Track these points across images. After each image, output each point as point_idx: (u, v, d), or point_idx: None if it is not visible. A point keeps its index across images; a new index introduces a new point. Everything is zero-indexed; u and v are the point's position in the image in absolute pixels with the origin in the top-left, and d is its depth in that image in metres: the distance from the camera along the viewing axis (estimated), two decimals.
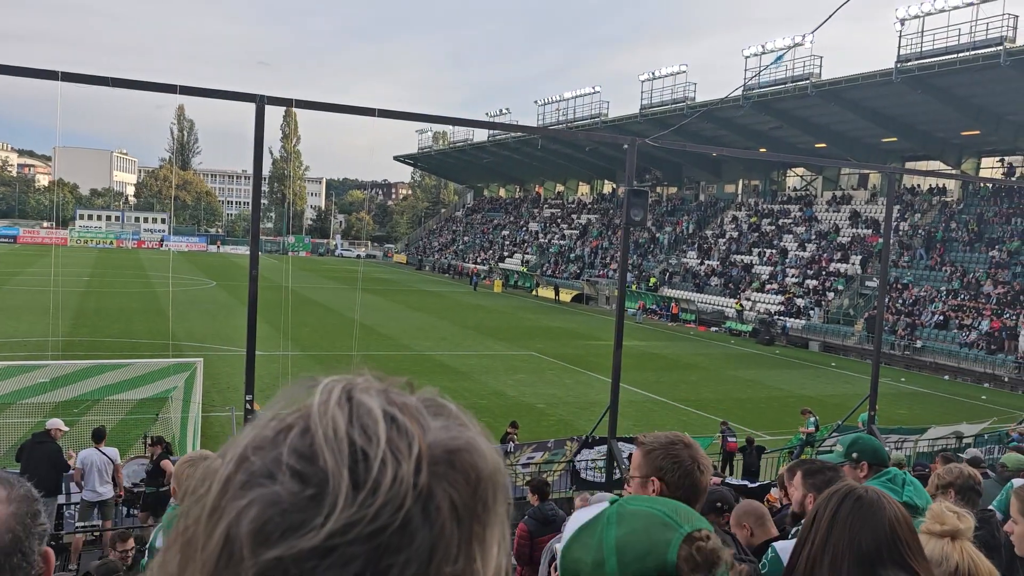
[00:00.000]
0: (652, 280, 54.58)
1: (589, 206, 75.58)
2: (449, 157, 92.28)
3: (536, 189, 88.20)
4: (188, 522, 0.56)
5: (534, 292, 62.13)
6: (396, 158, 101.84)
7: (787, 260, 49.19)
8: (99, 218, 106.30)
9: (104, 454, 12.35)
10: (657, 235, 61.44)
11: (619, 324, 14.75)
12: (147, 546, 3.90)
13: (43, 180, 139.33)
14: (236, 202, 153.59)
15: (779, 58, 38.58)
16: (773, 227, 53.60)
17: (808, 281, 45.87)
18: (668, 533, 1.46)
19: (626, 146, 15.26)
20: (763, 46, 47.27)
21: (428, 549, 0.53)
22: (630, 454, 16.23)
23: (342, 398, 0.57)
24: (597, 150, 62.33)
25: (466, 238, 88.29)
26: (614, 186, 73.07)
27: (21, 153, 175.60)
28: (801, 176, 57.30)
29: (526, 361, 30.82)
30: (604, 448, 15.50)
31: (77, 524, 12.35)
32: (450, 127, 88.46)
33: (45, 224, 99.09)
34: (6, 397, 15.41)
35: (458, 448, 0.57)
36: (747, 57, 48.47)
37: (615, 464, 14.71)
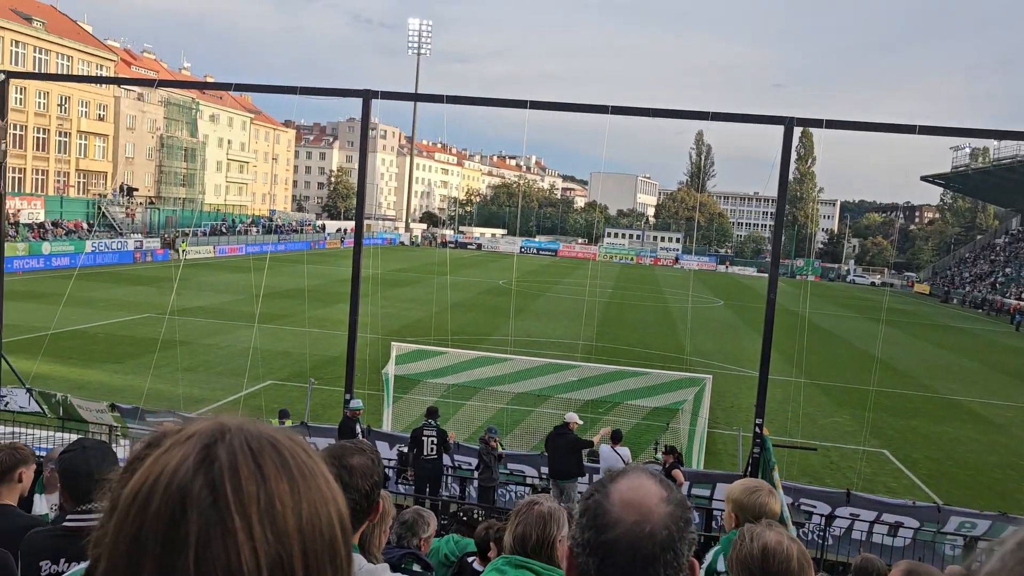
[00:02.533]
0: None
1: None
2: (991, 176, 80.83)
3: None
4: None
5: None
6: (924, 178, 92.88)
7: None
8: (623, 236, 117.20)
9: (617, 453, 13.33)
10: None
11: None
12: (705, 568, 3.86)
13: (580, 202, 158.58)
14: (746, 223, 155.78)
15: None
16: None
17: None
18: None
19: None
20: None
21: None
22: None
23: None
24: None
25: (1008, 269, 76.39)
26: None
27: (564, 178, 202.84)
28: None
29: None
30: None
31: None
32: (995, 142, 77.54)
33: (580, 240, 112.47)
34: (544, 390, 17.66)
35: None
36: None
37: None
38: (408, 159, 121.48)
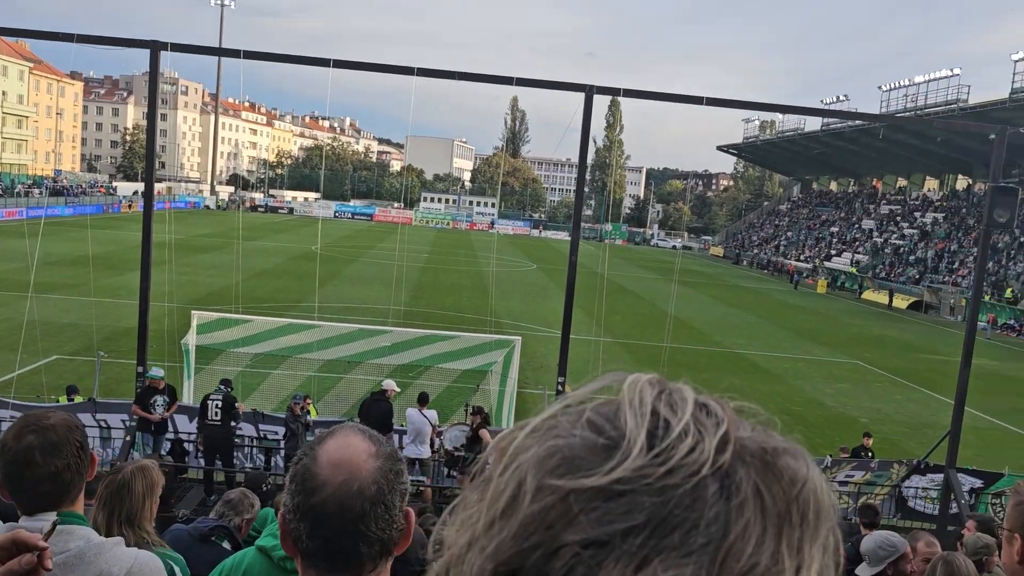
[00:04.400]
0: (1009, 291, 47.60)
1: (936, 203, 67.88)
2: (776, 147, 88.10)
3: (874, 183, 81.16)
4: (489, 473, 0.56)
5: (862, 295, 57.34)
6: (719, 148, 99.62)
7: None
8: (439, 200, 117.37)
9: (425, 416, 13.45)
10: (1022, 239, 53.40)
11: (969, 338, 12.97)
12: None
13: (396, 165, 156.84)
14: (559, 189, 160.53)
15: None
16: None
17: None
18: None
19: (993, 136, 13.29)
20: None
21: (722, 524, 0.48)
22: (971, 488, 14.10)
23: (655, 381, 0.56)
24: (950, 141, 55.61)
25: (789, 233, 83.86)
26: (969, 181, 64.88)
27: (380, 141, 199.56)
28: None
29: (849, 370, 28.45)
30: (940, 477, 13.79)
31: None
32: (780, 115, 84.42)
33: (395, 205, 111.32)
34: (355, 356, 17.40)
35: (776, 448, 0.53)
36: None
37: (952, 497, 13.01)
38: (212, 117, 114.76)
